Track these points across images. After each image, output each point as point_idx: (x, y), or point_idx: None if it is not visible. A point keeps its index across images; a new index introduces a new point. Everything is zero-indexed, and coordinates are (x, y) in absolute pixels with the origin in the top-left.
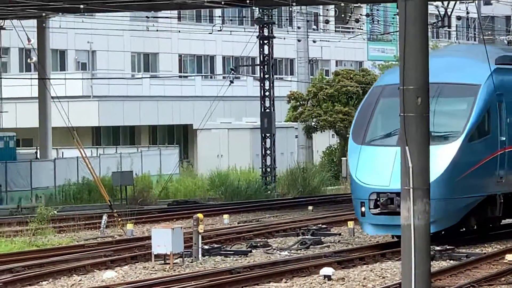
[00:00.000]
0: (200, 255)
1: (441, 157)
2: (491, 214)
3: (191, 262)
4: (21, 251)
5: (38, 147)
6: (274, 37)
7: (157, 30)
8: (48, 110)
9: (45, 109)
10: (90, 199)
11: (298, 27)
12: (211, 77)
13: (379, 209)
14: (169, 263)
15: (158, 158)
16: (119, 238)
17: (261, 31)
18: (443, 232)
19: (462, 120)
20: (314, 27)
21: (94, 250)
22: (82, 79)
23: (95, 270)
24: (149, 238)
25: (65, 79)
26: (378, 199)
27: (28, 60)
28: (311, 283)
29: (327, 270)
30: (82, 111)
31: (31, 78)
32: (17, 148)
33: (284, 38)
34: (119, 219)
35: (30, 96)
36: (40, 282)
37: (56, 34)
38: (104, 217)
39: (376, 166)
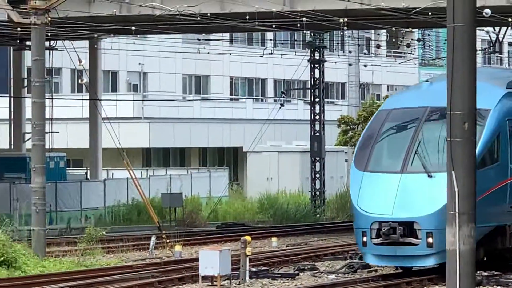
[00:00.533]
0: (247, 278)
1: (446, 186)
2: (501, 245)
3: (238, 284)
4: (69, 271)
5: (88, 168)
6: (325, 61)
7: (208, 53)
8: (98, 131)
9: (96, 130)
10: (139, 220)
11: (350, 51)
12: (262, 100)
13: (381, 239)
14: (216, 285)
15: (207, 180)
16: (167, 259)
17: (312, 55)
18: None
19: None
20: (366, 51)
21: (142, 271)
22: (133, 100)
23: None
24: (197, 259)
25: (116, 100)
26: (380, 228)
27: (79, 81)
28: None
29: None
30: (132, 133)
31: (82, 99)
32: (67, 168)
33: (335, 62)
34: (168, 241)
35: (81, 116)
36: None
37: (108, 55)
38: (153, 238)
39: (379, 194)
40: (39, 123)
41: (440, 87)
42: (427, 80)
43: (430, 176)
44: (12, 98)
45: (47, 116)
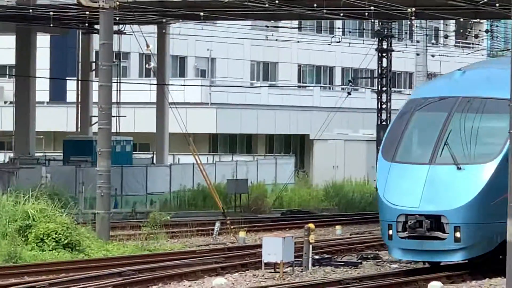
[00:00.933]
0: (310, 265)
1: (475, 178)
2: None
3: (301, 271)
4: (132, 255)
5: (154, 152)
6: (393, 50)
7: (276, 40)
8: (165, 116)
9: (163, 114)
10: (205, 205)
11: (418, 41)
12: (329, 88)
13: (407, 232)
14: (279, 272)
15: (273, 167)
16: (231, 246)
17: (380, 44)
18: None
19: (501, 139)
20: (434, 41)
21: (206, 256)
22: (201, 86)
23: (205, 276)
24: (260, 246)
25: (184, 85)
26: (406, 221)
27: (147, 66)
28: None
29: (435, 284)
30: (200, 118)
31: (150, 84)
32: (133, 152)
33: (403, 52)
34: (232, 227)
35: (149, 101)
36: (150, 287)
37: (176, 40)
38: (217, 224)
39: (406, 186)
40: (105, 106)
41: (474, 76)
42: (460, 69)
43: (459, 168)
44: (80, 82)
45: (114, 100)
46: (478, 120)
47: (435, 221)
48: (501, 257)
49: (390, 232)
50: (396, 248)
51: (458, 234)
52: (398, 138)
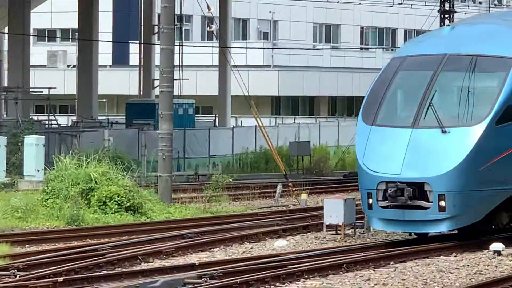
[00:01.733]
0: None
1: (462, 142)
2: None
3: (363, 233)
4: (194, 217)
5: (217, 115)
6: (455, 12)
7: (338, 2)
8: (228, 79)
9: (225, 77)
10: (267, 168)
11: (480, 2)
12: (392, 50)
13: (387, 201)
14: (340, 234)
15: (336, 129)
16: (292, 208)
17: (442, 5)
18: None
19: (490, 99)
20: (496, 2)
21: (267, 218)
22: (263, 48)
23: (267, 239)
24: (322, 208)
25: (246, 48)
26: (387, 189)
27: (208, 28)
28: (480, 257)
29: (497, 246)
30: (262, 81)
31: (212, 46)
32: (196, 115)
33: (466, 13)
34: (294, 189)
35: (211, 64)
36: (212, 249)
37: (239, 3)
38: (279, 186)
39: (386, 151)
40: (167, 69)
41: (463, 32)
42: (448, 24)
43: (444, 132)
44: (142, 45)
45: (176, 63)
46: (467, 79)
47: (418, 189)
48: (493, 227)
49: (370, 201)
50: (376, 218)
51: (442, 203)
52: (379, 100)
